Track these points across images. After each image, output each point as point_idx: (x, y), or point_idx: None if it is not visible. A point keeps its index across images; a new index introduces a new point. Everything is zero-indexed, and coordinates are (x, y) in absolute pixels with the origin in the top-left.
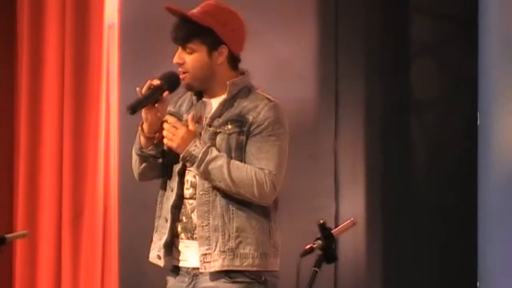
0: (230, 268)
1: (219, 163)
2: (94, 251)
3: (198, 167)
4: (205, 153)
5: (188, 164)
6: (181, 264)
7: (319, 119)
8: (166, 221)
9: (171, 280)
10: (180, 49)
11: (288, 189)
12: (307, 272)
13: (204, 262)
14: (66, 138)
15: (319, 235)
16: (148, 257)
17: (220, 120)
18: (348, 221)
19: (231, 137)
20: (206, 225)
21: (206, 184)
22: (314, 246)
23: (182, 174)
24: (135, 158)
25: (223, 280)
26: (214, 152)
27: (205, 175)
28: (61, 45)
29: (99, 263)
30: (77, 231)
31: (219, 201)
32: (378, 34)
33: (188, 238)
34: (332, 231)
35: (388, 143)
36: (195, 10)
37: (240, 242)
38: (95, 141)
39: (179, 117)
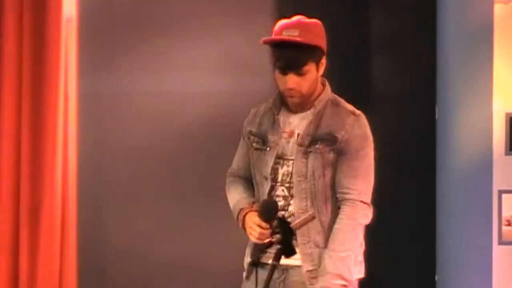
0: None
1: (341, 257)
2: (52, 245)
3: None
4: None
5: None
6: (265, 260)
7: None
8: None
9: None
10: (292, 74)
11: None
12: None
13: (312, 278)
14: (24, 132)
15: (278, 229)
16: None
17: (310, 138)
18: (307, 214)
19: (322, 155)
20: (307, 242)
21: (304, 203)
22: (273, 240)
23: (271, 190)
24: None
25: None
26: (338, 267)
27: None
28: (19, 39)
29: (57, 257)
30: (35, 226)
31: (318, 218)
32: (337, 28)
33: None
34: (291, 225)
35: None
36: (296, 33)
37: None
38: (53, 135)
39: (263, 140)
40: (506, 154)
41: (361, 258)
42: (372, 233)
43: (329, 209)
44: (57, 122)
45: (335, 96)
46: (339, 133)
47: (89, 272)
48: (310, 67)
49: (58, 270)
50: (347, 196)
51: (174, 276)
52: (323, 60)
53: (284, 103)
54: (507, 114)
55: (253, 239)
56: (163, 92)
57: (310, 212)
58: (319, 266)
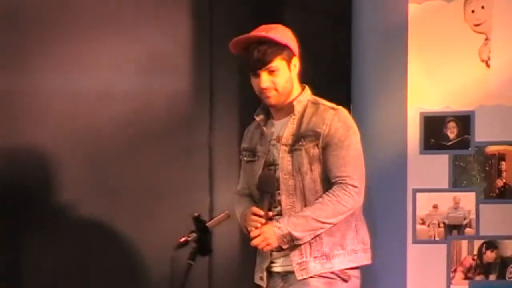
0: (325, 271)
1: (302, 221)
2: None
3: (297, 238)
4: (289, 222)
5: (291, 243)
6: (273, 269)
7: (194, 113)
8: None
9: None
10: (263, 73)
11: (163, 183)
12: (182, 265)
13: (301, 270)
14: None
15: (193, 228)
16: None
17: (293, 137)
18: (223, 213)
19: (306, 151)
20: None
21: (290, 199)
22: (189, 239)
23: (272, 196)
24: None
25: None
26: (292, 216)
27: (307, 237)
28: None
29: None
30: None
31: None
32: (253, 27)
33: (277, 250)
34: (206, 224)
35: None
36: (262, 33)
37: (330, 245)
38: None
39: (253, 152)
40: (421, 153)
41: (355, 247)
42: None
43: None
44: None
45: (315, 97)
46: (320, 128)
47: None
48: (280, 64)
49: None
50: (338, 180)
51: (94, 277)
52: (295, 62)
53: (269, 115)
54: (421, 113)
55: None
56: (79, 91)
57: (226, 211)
58: (308, 258)
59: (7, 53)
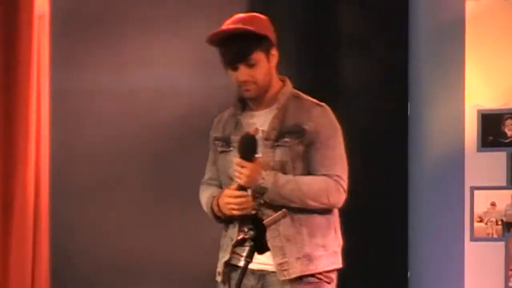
0: (308, 273)
1: (289, 187)
2: (25, 242)
3: (268, 197)
4: (275, 184)
5: (258, 195)
6: (239, 263)
7: None
8: (231, 240)
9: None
10: (242, 66)
11: None
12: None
13: (283, 270)
14: None
15: (251, 226)
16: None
17: (276, 132)
18: (280, 212)
19: (291, 148)
20: (277, 236)
21: None
22: (246, 236)
23: (245, 190)
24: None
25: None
26: (282, 179)
27: (277, 201)
28: None
29: (30, 254)
30: (7, 222)
31: (289, 211)
32: (310, 25)
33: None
34: (263, 222)
35: None
36: (240, 25)
37: (312, 246)
38: (26, 132)
39: (227, 142)
40: (478, 150)
41: (336, 249)
42: (346, 228)
43: None
44: (29, 119)
45: (296, 91)
46: (307, 124)
47: (61, 270)
48: (259, 57)
49: (30, 267)
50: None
51: (148, 274)
52: (274, 52)
53: (246, 104)
54: (478, 110)
55: (233, 212)
56: (136, 89)
57: (283, 209)
58: (290, 258)
59: (64, 52)
